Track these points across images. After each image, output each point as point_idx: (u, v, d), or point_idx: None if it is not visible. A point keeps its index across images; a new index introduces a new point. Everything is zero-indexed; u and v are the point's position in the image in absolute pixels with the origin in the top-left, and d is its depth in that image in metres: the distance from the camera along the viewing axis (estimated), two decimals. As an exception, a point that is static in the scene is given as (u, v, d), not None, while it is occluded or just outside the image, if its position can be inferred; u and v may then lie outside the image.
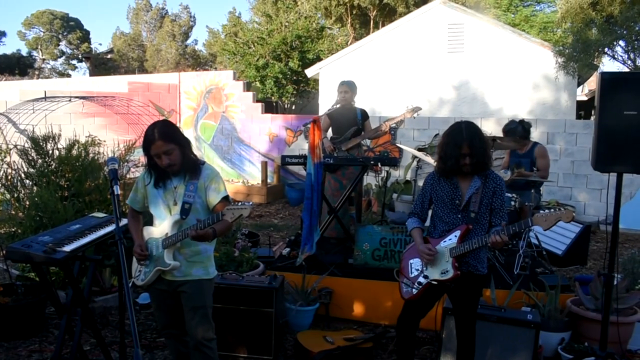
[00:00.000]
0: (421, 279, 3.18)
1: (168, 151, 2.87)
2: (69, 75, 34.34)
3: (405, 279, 3.28)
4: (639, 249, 6.87)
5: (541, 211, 2.93)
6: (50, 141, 5.49)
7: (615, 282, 3.61)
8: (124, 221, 3.31)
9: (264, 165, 11.13)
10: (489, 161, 3.12)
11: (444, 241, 3.12)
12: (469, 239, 3.05)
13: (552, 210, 2.90)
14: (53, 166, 5.43)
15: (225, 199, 2.97)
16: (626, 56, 9.60)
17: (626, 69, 9.56)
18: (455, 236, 3.08)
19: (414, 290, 3.21)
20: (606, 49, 9.57)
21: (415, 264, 3.25)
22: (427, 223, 3.39)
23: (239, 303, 3.98)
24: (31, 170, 5.49)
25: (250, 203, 2.68)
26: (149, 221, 3.14)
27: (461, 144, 3.01)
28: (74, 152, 5.51)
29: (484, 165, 3.08)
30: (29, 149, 5.48)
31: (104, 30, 71.10)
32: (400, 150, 9.67)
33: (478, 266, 3.15)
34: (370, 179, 9.32)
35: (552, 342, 4.03)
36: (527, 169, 5.64)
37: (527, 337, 3.53)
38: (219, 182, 3.00)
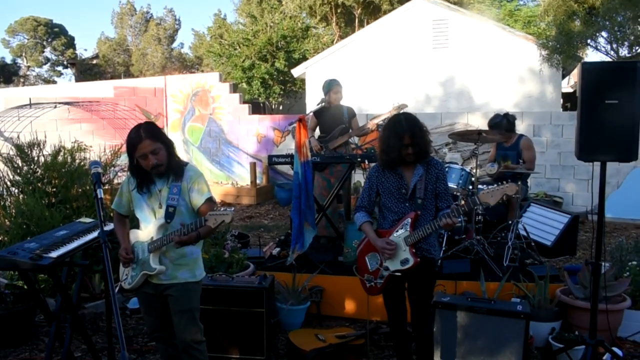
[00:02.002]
0: (383, 272, 3.24)
1: (155, 150, 2.85)
2: (54, 82, 34.02)
3: (366, 274, 3.33)
4: (627, 237, 6.94)
5: (484, 187, 3.03)
6: (36, 148, 5.45)
7: (603, 271, 3.64)
8: (109, 225, 3.30)
9: (253, 166, 11.11)
10: (430, 149, 3.24)
11: (397, 231, 3.19)
12: (420, 225, 3.13)
13: (496, 185, 3.01)
14: (39, 173, 5.40)
15: (210, 200, 2.95)
16: (609, 47, 9.68)
17: (609, 60, 9.65)
18: (407, 224, 3.15)
19: (377, 283, 3.28)
20: (589, 41, 9.65)
21: (372, 258, 3.31)
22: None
23: (230, 304, 3.97)
24: (17, 177, 5.45)
25: (232, 209, 2.68)
26: (138, 224, 3.12)
27: (403, 135, 3.11)
28: (60, 158, 5.47)
29: (425, 154, 3.19)
30: (14, 157, 5.43)
31: (89, 35, 70.64)
32: (389, 147, 9.69)
33: (431, 250, 3.26)
34: (358, 177, 9.33)
35: (542, 332, 4.06)
36: (514, 162, 5.68)
37: (518, 328, 3.54)
38: (202, 183, 2.98)
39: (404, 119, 3.17)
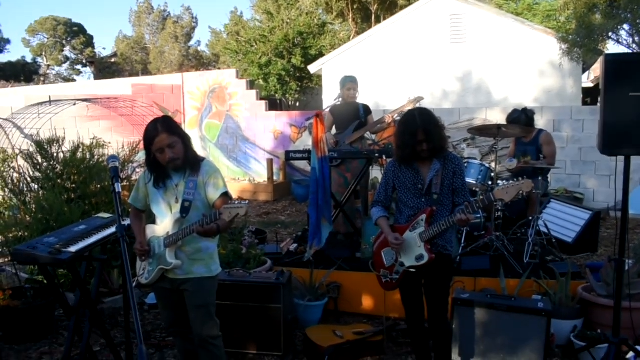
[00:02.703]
0: (398, 268, 3.23)
1: (172, 144, 2.86)
2: (74, 80, 34.42)
3: (382, 270, 3.33)
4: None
5: (500, 183, 3.00)
6: (55, 144, 5.50)
7: (626, 268, 3.57)
8: (128, 220, 3.31)
9: (270, 162, 11.11)
10: (446, 144, 3.20)
11: (412, 227, 3.17)
12: (436, 221, 3.11)
13: (511, 182, 2.97)
14: (58, 169, 5.45)
15: (225, 194, 2.95)
16: (631, 40, 9.49)
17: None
18: (422, 220, 3.13)
19: (392, 279, 3.27)
20: (610, 34, 9.46)
21: (388, 253, 3.30)
22: None
23: (247, 300, 3.97)
24: (37, 174, 5.50)
25: (246, 202, 2.68)
26: (154, 220, 3.13)
27: (416, 131, 3.08)
28: (79, 154, 5.52)
29: (440, 149, 3.15)
30: (34, 153, 5.49)
31: (108, 34, 71.33)
32: (406, 143, 9.62)
33: (447, 246, 3.23)
34: (376, 173, 9.28)
35: (564, 330, 3.99)
36: (534, 157, 5.61)
37: (539, 326, 3.49)
38: (218, 178, 2.97)
39: (418, 115, 3.15)
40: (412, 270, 3.17)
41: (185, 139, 2.94)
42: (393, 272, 3.26)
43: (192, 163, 2.96)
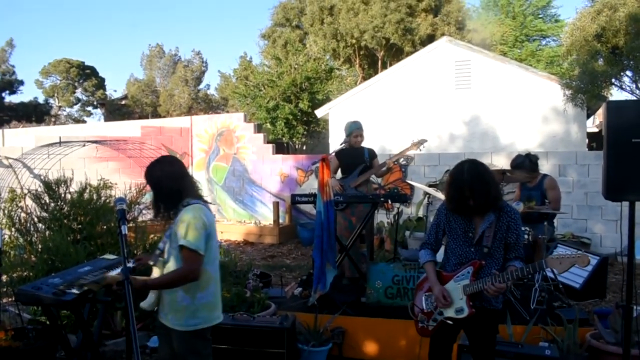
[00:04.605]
0: (436, 316, 3.13)
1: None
2: (84, 122, 34.87)
3: (420, 314, 3.22)
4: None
5: (555, 253, 2.93)
6: (63, 185, 5.55)
7: (634, 314, 3.52)
8: (131, 262, 3.31)
9: (276, 205, 11.14)
10: (495, 200, 3.02)
11: (457, 277, 3.06)
12: (483, 275, 2.99)
13: (567, 253, 2.89)
14: (65, 210, 5.48)
15: (183, 247, 2.75)
16: (634, 86, 9.61)
17: (634, 99, 9.55)
18: (469, 272, 3.02)
19: (429, 326, 3.17)
20: (613, 80, 9.59)
21: (429, 298, 3.19)
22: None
23: (250, 344, 3.93)
24: (44, 214, 5.54)
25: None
26: None
27: (463, 187, 2.97)
28: (86, 195, 5.56)
29: (488, 206, 3.01)
30: (42, 193, 5.54)
31: (119, 77, 72.88)
32: (412, 187, 9.66)
33: (492, 301, 3.08)
34: (382, 217, 9.28)
35: (572, 379, 3.91)
36: (538, 202, 5.60)
37: (546, 374, 3.43)
38: (183, 227, 2.76)
39: (467, 170, 3.00)
40: (449, 322, 3.07)
41: (155, 186, 2.91)
42: (431, 319, 3.15)
43: (163, 211, 2.92)
